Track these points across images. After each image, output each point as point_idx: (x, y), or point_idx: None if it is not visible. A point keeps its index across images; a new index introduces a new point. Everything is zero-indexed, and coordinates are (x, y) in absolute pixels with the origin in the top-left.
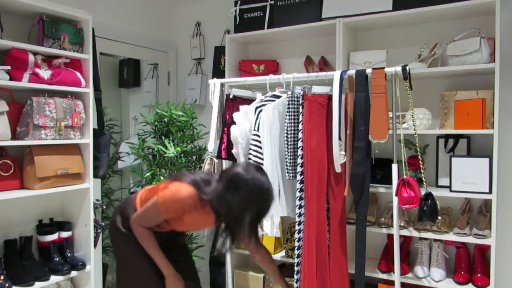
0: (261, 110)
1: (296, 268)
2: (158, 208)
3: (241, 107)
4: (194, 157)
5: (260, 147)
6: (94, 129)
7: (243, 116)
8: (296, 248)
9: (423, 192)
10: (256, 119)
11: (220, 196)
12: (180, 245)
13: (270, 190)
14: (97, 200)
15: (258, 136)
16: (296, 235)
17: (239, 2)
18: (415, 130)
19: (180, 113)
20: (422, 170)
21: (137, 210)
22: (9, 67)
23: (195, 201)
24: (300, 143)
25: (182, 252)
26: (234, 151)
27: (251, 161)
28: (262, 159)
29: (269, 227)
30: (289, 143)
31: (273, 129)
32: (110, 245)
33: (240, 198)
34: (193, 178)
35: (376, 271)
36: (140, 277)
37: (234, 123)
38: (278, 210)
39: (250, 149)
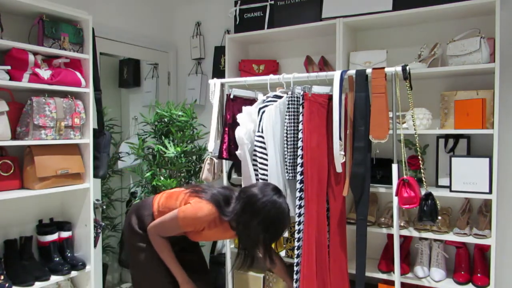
0: (264, 111)
1: (295, 268)
2: (177, 223)
3: (244, 108)
4: (194, 157)
5: (265, 148)
6: (94, 129)
7: (246, 117)
8: (296, 248)
9: (423, 192)
10: (260, 120)
11: (238, 218)
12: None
13: (287, 213)
14: (97, 200)
15: (262, 137)
16: (296, 235)
17: (239, 2)
18: (415, 130)
19: (180, 113)
20: (422, 170)
21: (154, 215)
22: (9, 67)
23: (215, 219)
24: (300, 143)
25: (194, 245)
26: (238, 152)
27: (257, 162)
28: (267, 159)
29: None
30: (288, 143)
31: (276, 130)
32: (110, 245)
33: (257, 221)
34: (213, 194)
35: (376, 271)
36: (153, 278)
37: (235, 123)
38: None
39: (255, 150)
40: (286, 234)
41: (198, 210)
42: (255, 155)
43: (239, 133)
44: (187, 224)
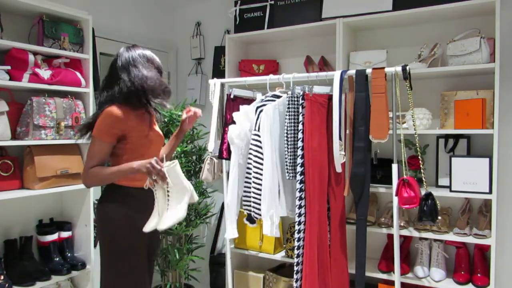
0: (261, 110)
1: (295, 268)
2: (97, 138)
3: (241, 107)
4: (194, 157)
5: (261, 147)
6: None
7: (243, 116)
8: (296, 248)
9: (423, 192)
10: (257, 119)
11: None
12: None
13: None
14: (97, 200)
15: (259, 136)
16: (296, 235)
17: (239, 2)
18: (415, 130)
19: (180, 113)
20: (422, 170)
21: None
22: (9, 67)
23: (120, 108)
24: (300, 143)
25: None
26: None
27: (251, 160)
28: (262, 159)
29: (269, 227)
30: (289, 143)
31: (274, 129)
32: None
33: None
34: None
35: (376, 271)
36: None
37: (235, 123)
38: (278, 210)
39: (251, 149)
40: (278, 234)
41: (105, 114)
42: (250, 154)
43: (231, 132)
44: (103, 130)
